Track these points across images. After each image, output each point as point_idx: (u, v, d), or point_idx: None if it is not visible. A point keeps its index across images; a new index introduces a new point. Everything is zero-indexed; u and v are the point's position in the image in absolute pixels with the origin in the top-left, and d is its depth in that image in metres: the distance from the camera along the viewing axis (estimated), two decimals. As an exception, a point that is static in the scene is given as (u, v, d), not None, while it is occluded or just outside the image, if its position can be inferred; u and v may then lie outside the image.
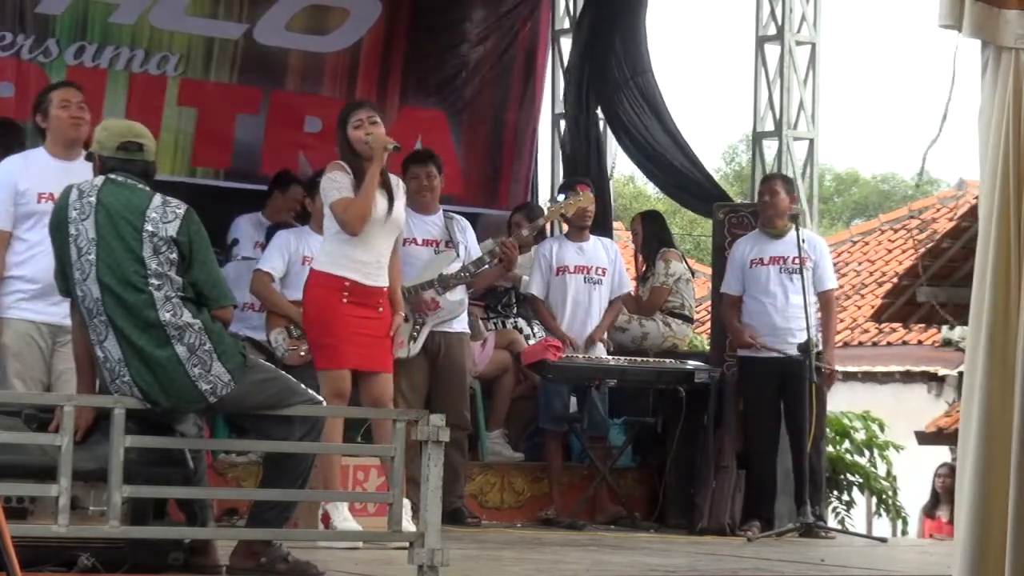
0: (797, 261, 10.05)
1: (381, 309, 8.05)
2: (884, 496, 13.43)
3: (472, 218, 10.54)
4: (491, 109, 12.67)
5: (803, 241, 10.01)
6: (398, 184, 8.21)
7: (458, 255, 9.71)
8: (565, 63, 12.87)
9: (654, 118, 12.10)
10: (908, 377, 21.61)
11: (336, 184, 8.02)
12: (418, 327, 9.43)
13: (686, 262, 11.56)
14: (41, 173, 7.53)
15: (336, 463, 8.13)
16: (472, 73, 12.58)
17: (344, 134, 8.13)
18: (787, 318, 10.08)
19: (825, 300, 10.39)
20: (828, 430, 11.28)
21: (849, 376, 19.86)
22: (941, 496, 15.30)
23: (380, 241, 8.03)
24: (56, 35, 10.99)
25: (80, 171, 6.97)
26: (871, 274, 23.85)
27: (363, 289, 7.97)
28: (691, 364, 10.48)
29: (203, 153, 11.58)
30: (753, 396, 10.26)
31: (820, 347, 10.14)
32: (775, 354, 10.04)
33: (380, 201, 7.99)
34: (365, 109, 8.19)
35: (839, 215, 44.44)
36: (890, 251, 24.40)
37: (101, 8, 11.14)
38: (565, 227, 10.85)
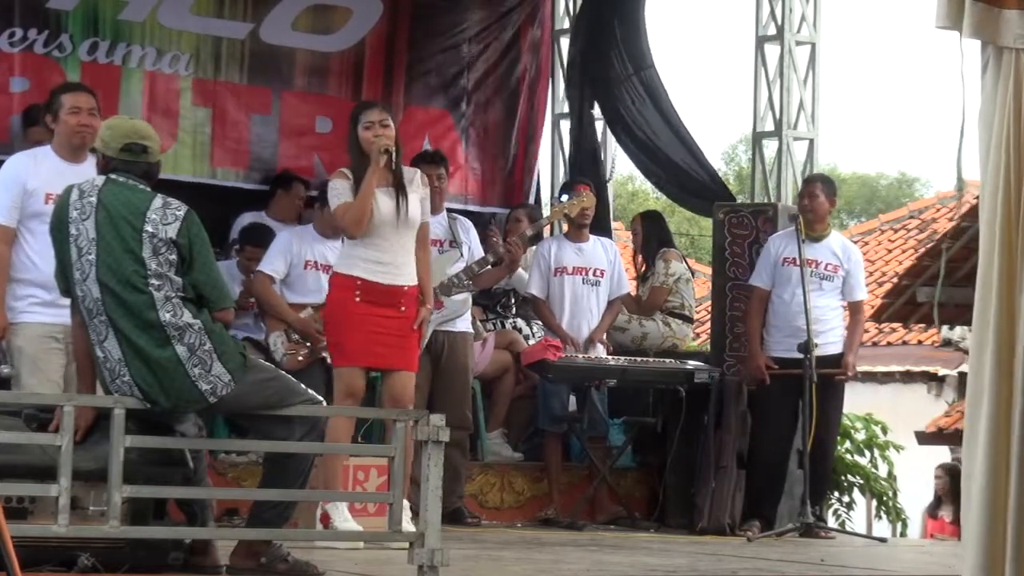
0: (831, 267, 10.15)
1: (403, 308, 7.98)
2: (884, 498, 13.41)
3: (478, 216, 10.55)
4: (498, 108, 12.66)
5: (803, 241, 10.07)
6: (413, 179, 8.09)
7: (461, 255, 9.74)
8: (565, 63, 12.87)
9: (657, 114, 12.08)
10: (908, 377, 21.59)
11: (336, 191, 8.04)
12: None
13: (686, 262, 11.56)
14: (49, 174, 7.50)
15: (340, 463, 8.12)
16: (474, 72, 12.56)
17: (354, 133, 8.10)
18: (811, 321, 10.04)
19: (854, 309, 10.45)
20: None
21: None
22: (943, 498, 15.31)
23: (394, 241, 7.98)
24: (69, 30, 10.96)
25: (88, 174, 6.98)
26: (871, 274, 23.83)
27: (377, 288, 7.93)
28: (691, 364, 10.48)
29: (221, 154, 11.56)
30: (769, 396, 10.24)
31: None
32: (796, 355, 10.01)
33: (386, 201, 7.95)
34: (376, 110, 8.13)
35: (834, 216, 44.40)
36: (890, 251, 24.40)
37: (110, 4, 11.13)
38: (565, 227, 10.86)
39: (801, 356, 9.93)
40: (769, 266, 10.33)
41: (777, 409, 10.21)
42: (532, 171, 12.84)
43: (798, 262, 10.17)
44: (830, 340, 10.12)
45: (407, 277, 8.01)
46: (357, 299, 7.92)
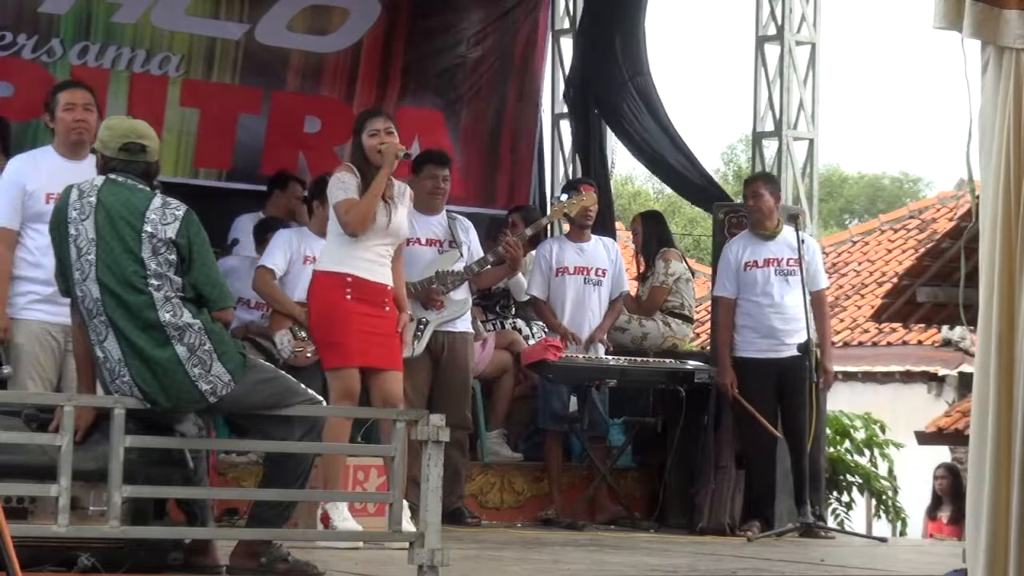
0: (792, 262, 10.08)
1: (387, 308, 8.04)
2: (884, 497, 13.43)
3: (469, 217, 10.56)
4: (489, 109, 12.66)
5: (803, 241, 10.06)
6: (403, 192, 8.19)
7: (461, 255, 9.73)
8: (565, 63, 12.87)
9: (652, 119, 12.10)
10: (908, 377, 21.59)
11: (342, 185, 8.05)
12: (422, 327, 9.45)
13: (686, 262, 11.55)
14: (49, 173, 7.52)
15: (341, 463, 8.12)
16: (470, 73, 12.57)
17: (359, 141, 8.13)
18: (785, 319, 10.08)
19: (817, 299, 10.36)
20: (828, 430, 11.28)
21: (849, 376, 19.83)
22: (943, 498, 15.30)
23: (377, 243, 8.03)
24: (60, 35, 10.97)
25: (89, 171, 6.96)
26: (871, 274, 23.84)
27: (366, 284, 7.96)
28: (691, 364, 10.48)
29: (205, 154, 11.56)
30: (750, 397, 10.23)
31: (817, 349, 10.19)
32: (772, 355, 10.04)
33: (380, 210, 8.01)
34: (382, 119, 8.21)
35: (832, 216, 44.41)
36: (890, 251, 24.40)
37: (104, 7, 11.13)
38: (566, 227, 10.85)
39: (770, 356, 10.01)
40: (732, 274, 10.32)
41: (760, 411, 10.18)
42: (527, 172, 12.84)
43: (760, 263, 10.18)
44: (804, 338, 10.08)
45: (386, 276, 8.07)
46: (348, 297, 7.94)
